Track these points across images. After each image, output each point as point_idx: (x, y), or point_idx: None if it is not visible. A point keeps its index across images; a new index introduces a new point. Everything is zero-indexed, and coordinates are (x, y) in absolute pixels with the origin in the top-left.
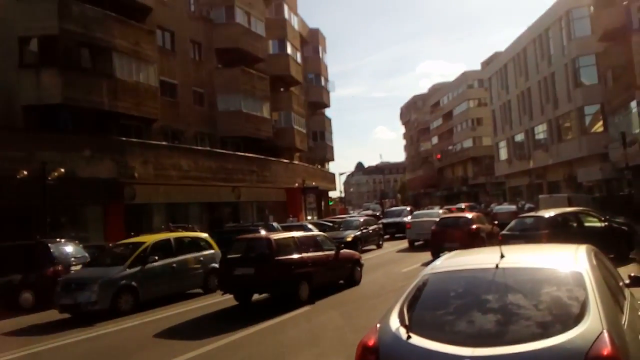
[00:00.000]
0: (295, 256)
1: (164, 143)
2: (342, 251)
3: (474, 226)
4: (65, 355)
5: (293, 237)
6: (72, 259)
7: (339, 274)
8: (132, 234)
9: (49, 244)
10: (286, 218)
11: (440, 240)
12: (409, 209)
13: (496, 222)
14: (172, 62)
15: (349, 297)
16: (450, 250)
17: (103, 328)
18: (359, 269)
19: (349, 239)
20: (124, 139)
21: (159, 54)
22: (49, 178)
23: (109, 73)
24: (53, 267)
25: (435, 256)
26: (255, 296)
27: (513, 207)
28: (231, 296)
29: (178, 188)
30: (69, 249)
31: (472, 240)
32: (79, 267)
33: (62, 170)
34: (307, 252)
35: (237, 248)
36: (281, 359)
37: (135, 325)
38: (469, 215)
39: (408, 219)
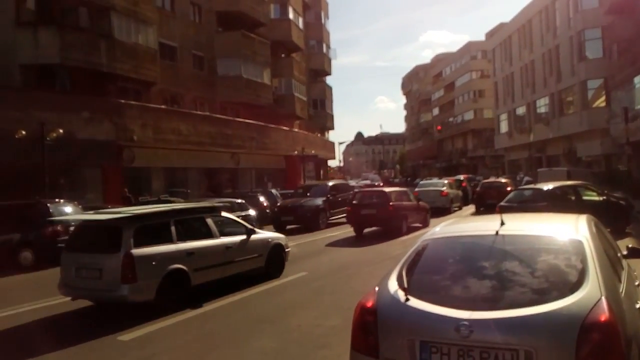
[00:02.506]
0: (401, 203)
1: (163, 107)
2: (420, 203)
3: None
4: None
5: (396, 190)
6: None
7: (418, 218)
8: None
9: (48, 204)
10: (285, 185)
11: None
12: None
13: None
14: (172, 24)
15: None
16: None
17: None
18: (428, 215)
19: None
20: (122, 101)
21: (158, 15)
22: (48, 138)
23: (108, 33)
24: (52, 226)
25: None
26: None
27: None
28: None
29: (177, 152)
30: (68, 209)
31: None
32: None
33: (61, 130)
34: (402, 201)
35: (359, 197)
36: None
37: None
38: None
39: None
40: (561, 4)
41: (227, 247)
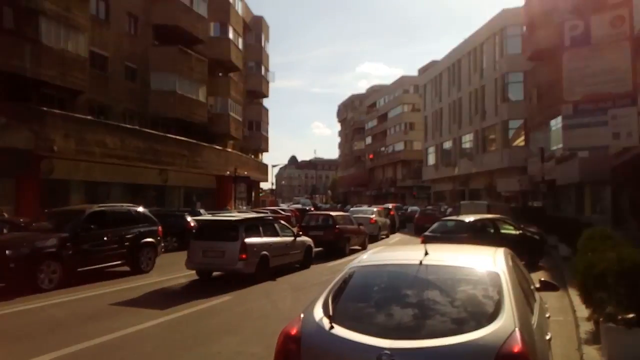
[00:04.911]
0: (344, 226)
1: (88, 117)
2: (361, 227)
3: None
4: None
5: (341, 214)
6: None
7: (359, 241)
8: (46, 211)
9: None
10: (215, 205)
11: None
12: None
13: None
14: (105, 34)
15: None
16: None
17: None
18: (367, 239)
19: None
20: (44, 108)
21: (91, 23)
22: None
23: (34, 38)
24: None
25: None
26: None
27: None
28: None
29: (101, 166)
30: None
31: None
32: None
33: None
34: (346, 225)
35: (307, 219)
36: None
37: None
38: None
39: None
40: (488, 47)
41: (286, 244)
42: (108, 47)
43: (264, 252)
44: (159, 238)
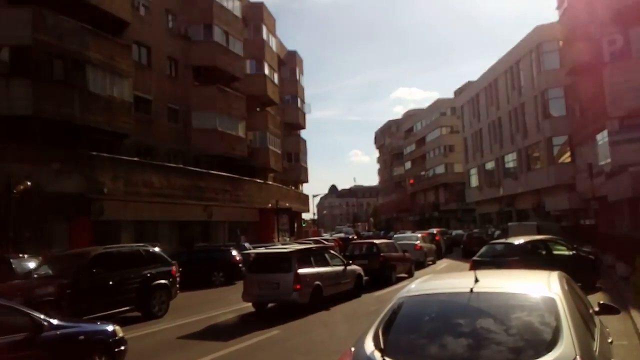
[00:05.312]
0: (389, 254)
1: (135, 159)
2: (406, 254)
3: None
4: None
5: (385, 242)
6: (35, 275)
7: (404, 268)
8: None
9: (11, 260)
10: (258, 238)
11: None
12: None
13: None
14: (148, 78)
15: None
16: None
17: None
18: (413, 266)
19: None
20: (94, 153)
21: (134, 68)
22: (15, 191)
23: (82, 86)
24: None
25: None
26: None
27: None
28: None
29: (148, 205)
30: (32, 264)
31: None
32: None
33: (29, 183)
34: (390, 252)
35: (351, 249)
36: None
37: None
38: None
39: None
40: (525, 64)
41: (337, 273)
42: (151, 91)
43: (317, 282)
44: (171, 279)
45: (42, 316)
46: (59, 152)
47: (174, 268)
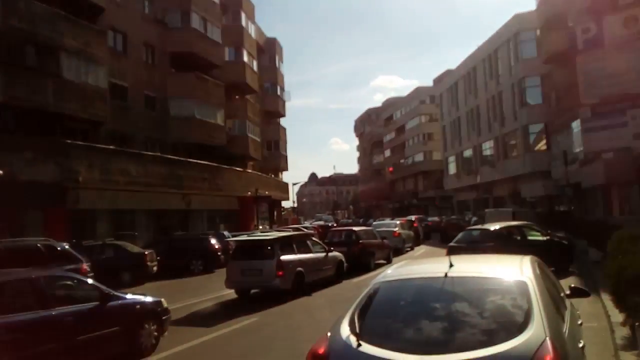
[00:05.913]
0: (367, 241)
1: (111, 147)
2: (384, 241)
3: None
4: None
5: (364, 229)
6: None
7: (383, 255)
8: (74, 240)
9: None
10: (238, 227)
11: None
12: None
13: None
14: (124, 65)
15: None
16: None
17: None
18: (391, 252)
19: None
20: (69, 141)
21: (110, 55)
22: None
23: (56, 73)
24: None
25: None
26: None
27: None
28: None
29: (125, 194)
30: None
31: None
32: None
33: (1, 172)
34: (369, 239)
35: (330, 236)
36: None
37: None
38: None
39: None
40: (503, 53)
41: (318, 259)
42: (127, 78)
43: (299, 269)
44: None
45: (107, 289)
46: (33, 140)
47: (83, 266)
